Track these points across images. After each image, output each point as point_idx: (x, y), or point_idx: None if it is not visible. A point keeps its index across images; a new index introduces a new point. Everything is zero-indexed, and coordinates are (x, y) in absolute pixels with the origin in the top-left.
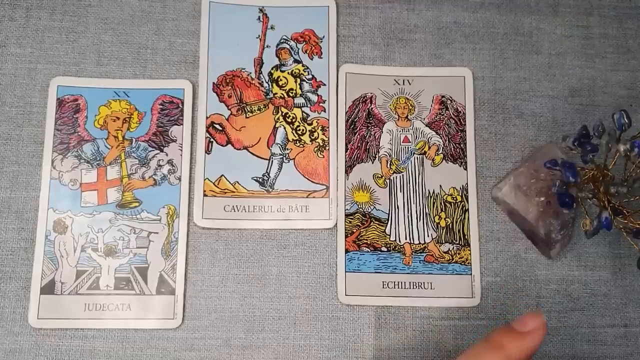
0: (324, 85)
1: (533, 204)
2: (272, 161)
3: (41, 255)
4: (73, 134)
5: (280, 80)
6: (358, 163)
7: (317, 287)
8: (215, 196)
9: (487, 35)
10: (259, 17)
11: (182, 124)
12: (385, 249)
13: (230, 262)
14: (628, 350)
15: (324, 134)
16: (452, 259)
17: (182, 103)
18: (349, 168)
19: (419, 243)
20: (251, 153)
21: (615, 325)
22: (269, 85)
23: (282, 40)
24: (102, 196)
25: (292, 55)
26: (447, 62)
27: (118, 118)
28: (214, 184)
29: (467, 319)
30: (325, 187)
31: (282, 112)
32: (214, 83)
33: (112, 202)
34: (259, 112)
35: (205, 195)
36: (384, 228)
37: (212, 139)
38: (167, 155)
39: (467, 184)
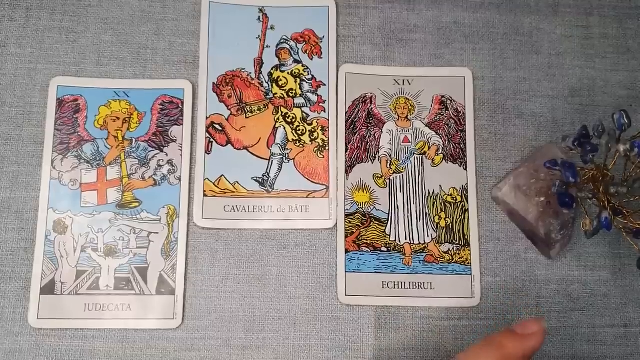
0: (324, 85)
1: (533, 204)
2: (272, 161)
3: (41, 256)
4: (73, 134)
5: (280, 80)
6: (358, 163)
7: (317, 287)
8: (215, 196)
9: (487, 35)
10: (259, 17)
11: (182, 124)
12: (385, 249)
13: (230, 262)
14: (628, 350)
15: (324, 134)
16: (452, 259)
17: (182, 103)
18: (349, 168)
19: (419, 243)
20: (251, 153)
21: (615, 325)
22: (269, 85)
23: (282, 41)
24: (102, 196)
25: (292, 56)
26: (447, 62)
27: (118, 118)
28: (214, 184)
29: (467, 319)
30: (325, 187)
31: (282, 112)
32: (214, 83)
33: (112, 202)
34: (259, 112)
35: (205, 195)
36: (384, 228)
37: (212, 139)
38: (167, 155)
39: (467, 184)
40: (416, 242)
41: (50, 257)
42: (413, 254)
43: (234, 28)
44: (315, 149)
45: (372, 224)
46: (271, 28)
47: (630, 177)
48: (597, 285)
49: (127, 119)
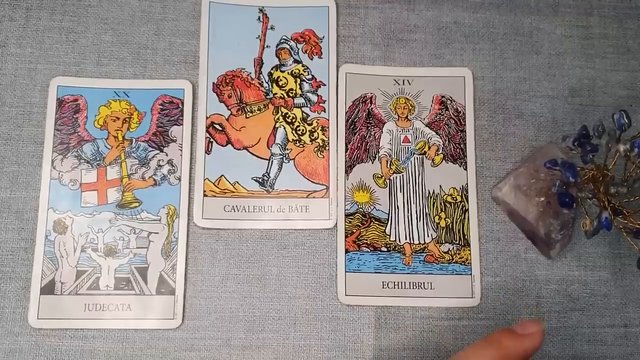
0: (324, 85)
1: (533, 204)
2: (272, 161)
3: (41, 256)
4: (73, 134)
5: (280, 80)
6: (358, 163)
7: (317, 287)
8: (215, 196)
9: (487, 35)
10: (259, 17)
11: (182, 124)
12: (385, 249)
13: (230, 262)
14: (628, 350)
15: (324, 134)
16: (452, 259)
17: (182, 103)
18: (349, 168)
19: (419, 243)
20: (251, 153)
21: (615, 325)
22: (268, 85)
23: (282, 41)
24: (102, 196)
25: (292, 56)
26: (447, 62)
27: (118, 118)
28: (214, 184)
29: (467, 319)
30: (325, 187)
31: (282, 112)
32: (214, 83)
33: (112, 202)
34: (259, 112)
35: (205, 195)
36: (384, 228)
37: (212, 139)
38: (167, 155)
39: (467, 184)
40: (416, 242)
41: (50, 257)
42: (413, 254)
43: (234, 28)
44: (315, 149)
45: (372, 224)
46: (271, 28)
47: (630, 177)
48: (597, 285)
49: (127, 119)
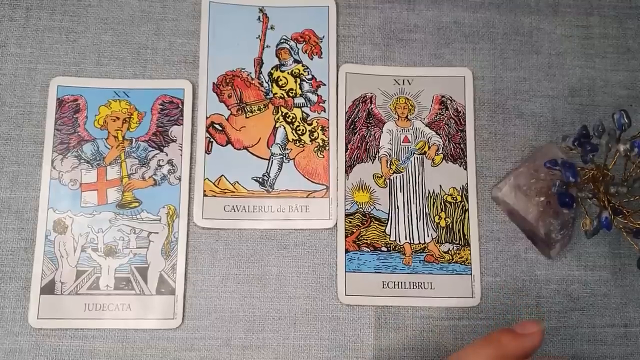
0: (324, 85)
1: (533, 204)
2: (272, 161)
3: (41, 255)
4: (73, 134)
5: (280, 80)
6: (358, 163)
7: (317, 287)
8: (215, 196)
9: (487, 35)
10: (259, 17)
11: (182, 124)
12: (385, 249)
13: (230, 262)
14: (628, 350)
15: (324, 134)
16: (452, 259)
17: (182, 103)
18: (349, 168)
19: (419, 243)
20: (251, 153)
21: (615, 325)
22: (268, 85)
23: (282, 40)
24: (102, 196)
25: (292, 55)
26: (447, 62)
27: (118, 118)
28: (214, 184)
29: (467, 319)
30: (325, 187)
31: (282, 112)
32: (214, 83)
33: (112, 202)
34: (259, 112)
35: (205, 195)
36: (384, 228)
37: (212, 139)
38: (167, 155)
39: (467, 184)
40: (416, 242)
41: (50, 257)
42: (413, 253)
43: (234, 28)
44: (315, 149)
45: (372, 223)
46: (271, 28)
47: (630, 177)
48: (597, 285)
49: (127, 119)
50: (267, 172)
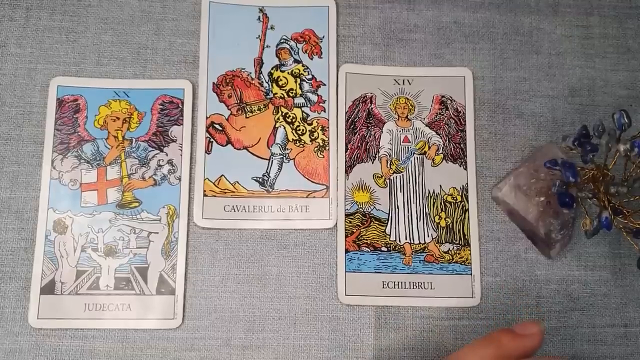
0: (324, 85)
1: (533, 204)
2: (272, 161)
3: (41, 255)
4: (73, 134)
5: (280, 80)
6: (358, 163)
7: (317, 287)
8: (215, 196)
9: (487, 35)
10: (259, 17)
11: (182, 124)
12: (385, 249)
13: (230, 262)
14: (628, 350)
15: (324, 134)
16: (452, 259)
17: (182, 103)
18: (349, 168)
19: (419, 243)
20: (251, 153)
21: (615, 325)
22: (269, 85)
23: (282, 40)
24: (102, 196)
25: (292, 55)
26: (447, 62)
27: (118, 118)
28: (214, 184)
29: (467, 319)
30: (325, 187)
31: (282, 112)
32: (214, 83)
33: (112, 202)
34: (259, 112)
35: (205, 195)
36: (384, 228)
37: (212, 139)
38: (167, 155)
39: (467, 184)
40: (416, 242)
41: (50, 257)
42: (413, 253)
43: (234, 28)
44: (315, 149)
45: (372, 223)
46: (271, 28)
47: (630, 177)
48: (597, 285)
49: (127, 119)
50: (267, 172)
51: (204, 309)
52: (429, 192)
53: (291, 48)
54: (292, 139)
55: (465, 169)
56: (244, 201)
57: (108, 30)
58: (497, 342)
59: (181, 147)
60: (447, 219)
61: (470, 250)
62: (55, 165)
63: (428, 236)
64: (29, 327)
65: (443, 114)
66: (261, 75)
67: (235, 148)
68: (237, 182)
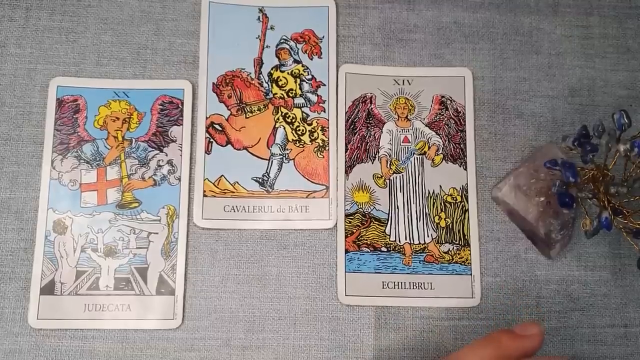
0: (324, 85)
1: (533, 204)
2: (272, 161)
3: (41, 256)
4: (73, 134)
5: (280, 80)
6: (358, 163)
7: (317, 287)
8: (215, 196)
9: (487, 35)
10: (259, 17)
11: (181, 124)
12: (385, 249)
13: (230, 262)
14: (628, 350)
15: (323, 134)
16: (452, 259)
17: (182, 103)
18: (348, 168)
19: (419, 243)
20: (251, 153)
21: (615, 325)
22: (268, 85)
23: (282, 41)
24: (102, 196)
25: (291, 56)
26: (447, 62)
27: (118, 118)
28: (213, 184)
29: (467, 319)
30: (325, 187)
31: (282, 112)
32: (213, 83)
33: (111, 202)
34: (258, 112)
35: (205, 195)
36: (383, 228)
37: (211, 139)
38: (166, 155)
39: (467, 184)
40: (416, 242)
41: (50, 257)
42: (413, 254)
43: (233, 28)
44: (315, 149)
45: (372, 224)
46: (271, 28)
47: (630, 177)
48: (597, 285)
49: (126, 119)
50: (267, 172)
51: (204, 309)
52: (429, 193)
53: (291, 48)
54: (292, 139)
55: (465, 169)
56: (243, 201)
57: (108, 30)
58: (497, 343)
59: (181, 147)
60: (447, 219)
61: (470, 250)
62: (55, 165)
63: (428, 236)
64: (28, 327)
65: (443, 114)
66: (261, 75)
67: (235, 148)
68: (237, 182)
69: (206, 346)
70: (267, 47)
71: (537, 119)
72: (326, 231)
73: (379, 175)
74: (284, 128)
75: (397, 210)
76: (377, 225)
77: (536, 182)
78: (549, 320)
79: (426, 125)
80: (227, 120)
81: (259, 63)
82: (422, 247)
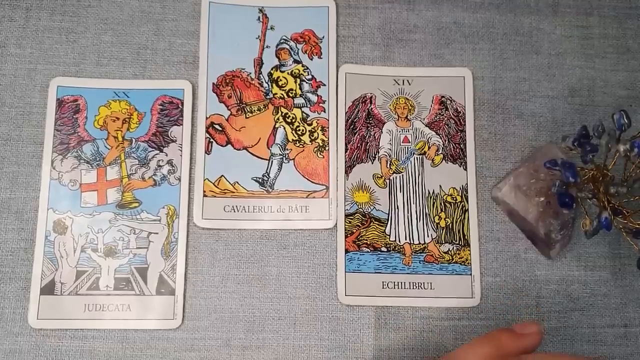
0: (324, 85)
1: (533, 204)
2: (272, 161)
3: (41, 256)
4: (73, 135)
5: (280, 80)
6: (358, 163)
7: (317, 287)
8: (215, 196)
9: (487, 35)
10: (259, 17)
11: (181, 124)
12: (385, 249)
13: (230, 262)
14: (628, 350)
15: (323, 134)
16: (452, 259)
17: (182, 103)
18: (348, 168)
19: (419, 243)
20: (251, 153)
21: (615, 325)
22: (268, 85)
23: (281, 41)
24: (102, 196)
25: (291, 56)
26: (446, 62)
27: (118, 118)
28: (213, 184)
29: (467, 319)
30: (325, 187)
31: (281, 113)
32: (213, 83)
33: (112, 202)
34: (258, 112)
35: (205, 195)
36: (383, 228)
37: (211, 139)
38: (166, 155)
39: (467, 184)
40: (416, 242)
41: (50, 257)
42: (413, 254)
43: (233, 28)
44: (315, 149)
45: (372, 224)
46: (271, 28)
47: (630, 177)
48: (597, 285)
49: (127, 119)
50: (267, 172)
51: (204, 309)
52: (429, 193)
53: (291, 48)
54: (292, 139)
55: (465, 169)
56: (243, 201)
57: (108, 30)
58: (496, 341)
59: (181, 147)
60: (446, 219)
61: (470, 250)
62: (55, 165)
63: (428, 236)
64: (28, 327)
65: (443, 114)
66: (261, 75)
67: (235, 148)
68: (237, 182)
69: (206, 346)
70: (267, 47)
71: (537, 119)
72: (326, 231)
73: (379, 175)
74: (284, 128)
75: (397, 210)
76: (377, 225)
77: (536, 182)
78: (548, 320)
79: (426, 125)
80: (227, 120)
81: (259, 63)
82: (422, 247)
